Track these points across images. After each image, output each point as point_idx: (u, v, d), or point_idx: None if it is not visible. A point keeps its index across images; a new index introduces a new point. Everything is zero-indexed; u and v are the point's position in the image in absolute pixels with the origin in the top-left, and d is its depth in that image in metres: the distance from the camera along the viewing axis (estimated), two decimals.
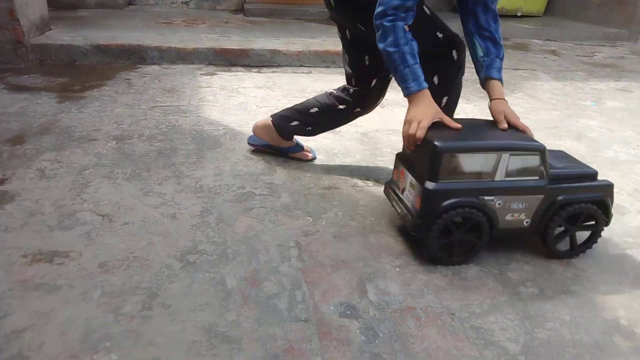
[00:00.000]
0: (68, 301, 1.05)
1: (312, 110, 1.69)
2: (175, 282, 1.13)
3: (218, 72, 2.85)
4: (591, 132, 2.27)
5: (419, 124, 1.22)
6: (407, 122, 1.26)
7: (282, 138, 1.74)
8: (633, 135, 2.27)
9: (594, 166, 1.36)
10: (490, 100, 1.35)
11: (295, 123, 1.71)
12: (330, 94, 1.69)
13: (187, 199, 1.49)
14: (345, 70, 1.66)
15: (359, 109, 1.68)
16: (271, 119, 1.73)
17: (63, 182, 1.54)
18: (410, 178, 1.27)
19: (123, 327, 0.99)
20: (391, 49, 1.23)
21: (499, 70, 1.38)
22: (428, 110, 1.25)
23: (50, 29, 3.13)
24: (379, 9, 1.24)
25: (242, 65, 3.01)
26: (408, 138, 1.25)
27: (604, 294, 1.19)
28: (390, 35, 1.23)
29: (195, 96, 2.44)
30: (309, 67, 3.08)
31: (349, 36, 1.57)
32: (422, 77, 1.26)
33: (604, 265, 1.30)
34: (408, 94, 1.28)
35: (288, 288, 1.13)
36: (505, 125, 1.29)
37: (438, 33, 1.43)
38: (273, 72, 2.94)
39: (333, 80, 2.84)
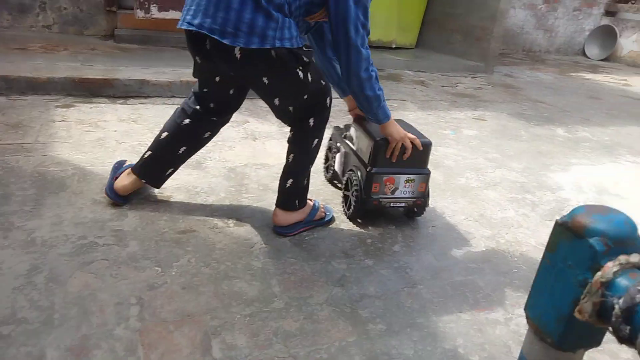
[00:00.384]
0: None
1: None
2: None
3: (76, 104, 2.62)
4: (447, 160, 2.46)
5: (408, 137, 1.60)
6: (402, 138, 1.59)
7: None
8: (483, 163, 2.50)
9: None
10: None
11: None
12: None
13: (12, 256, 1.30)
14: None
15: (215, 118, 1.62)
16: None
17: None
18: (404, 177, 1.64)
19: None
20: (380, 92, 1.47)
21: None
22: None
23: None
24: (367, 60, 1.39)
25: (106, 96, 2.80)
26: (407, 148, 1.60)
27: (445, 324, 1.24)
28: (376, 81, 1.45)
29: (45, 132, 2.20)
30: (181, 97, 2.96)
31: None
32: None
33: (448, 293, 1.38)
34: (388, 120, 1.57)
35: (121, 355, 1.02)
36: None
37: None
38: (140, 103, 2.78)
39: None
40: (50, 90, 2.73)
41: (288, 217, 1.58)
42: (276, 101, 1.46)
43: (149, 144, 1.65)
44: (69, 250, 1.36)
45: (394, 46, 5.65)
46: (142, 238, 1.46)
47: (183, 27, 1.33)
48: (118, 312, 1.14)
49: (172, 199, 1.72)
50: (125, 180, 1.62)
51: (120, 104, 2.74)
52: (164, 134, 1.61)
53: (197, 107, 1.57)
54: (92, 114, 2.52)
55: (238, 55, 1.28)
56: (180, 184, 1.83)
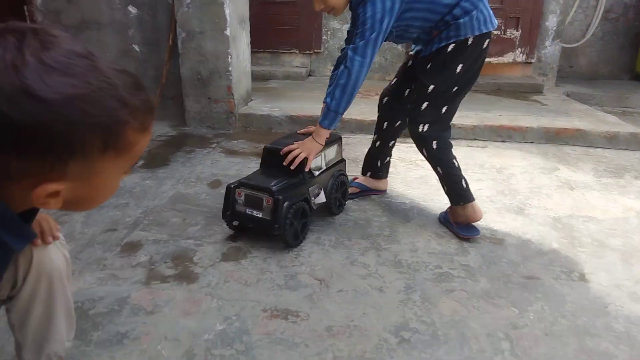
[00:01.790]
0: (306, 359, 1.21)
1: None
2: (395, 357, 1.22)
3: (395, 144, 3.03)
4: None
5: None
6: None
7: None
8: None
9: None
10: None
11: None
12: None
13: (389, 273, 1.60)
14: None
15: None
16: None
17: (280, 243, 1.77)
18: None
19: None
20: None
21: (323, 116, 1.78)
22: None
23: (252, 100, 3.68)
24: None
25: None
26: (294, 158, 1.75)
27: None
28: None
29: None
30: (484, 141, 3.10)
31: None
32: None
33: None
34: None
35: None
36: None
37: None
38: None
39: (510, 156, 2.82)
40: (372, 130, 3.24)
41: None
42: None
43: (471, 183, 1.88)
44: (430, 276, 1.59)
45: None
46: (490, 277, 1.60)
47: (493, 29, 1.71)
48: (492, 343, 1.28)
49: (505, 242, 1.82)
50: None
51: None
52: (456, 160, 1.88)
53: None
54: (410, 152, 2.88)
55: None
56: (509, 229, 1.92)
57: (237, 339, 1.27)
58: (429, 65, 1.74)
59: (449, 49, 1.68)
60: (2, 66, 0.52)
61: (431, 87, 1.74)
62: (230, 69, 3.16)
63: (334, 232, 1.88)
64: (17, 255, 0.88)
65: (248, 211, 1.73)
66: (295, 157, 1.75)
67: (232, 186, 1.76)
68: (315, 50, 4.85)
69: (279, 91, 4.14)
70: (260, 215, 1.70)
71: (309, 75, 4.98)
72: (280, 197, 1.65)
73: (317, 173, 1.86)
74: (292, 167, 1.75)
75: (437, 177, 1.91)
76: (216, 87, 3.23)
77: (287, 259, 1.67)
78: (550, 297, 1.49)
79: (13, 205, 0.63)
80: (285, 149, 1.78)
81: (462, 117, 3.25)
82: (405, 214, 2.06)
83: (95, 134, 0.58)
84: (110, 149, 0.60)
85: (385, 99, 2.10)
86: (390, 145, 2.19)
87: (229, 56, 3.13)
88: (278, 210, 1.64)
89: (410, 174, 2.53)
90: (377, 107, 2.17)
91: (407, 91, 2.00)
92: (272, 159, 1.83)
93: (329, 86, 1.85)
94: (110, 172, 0.64)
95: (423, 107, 1.77)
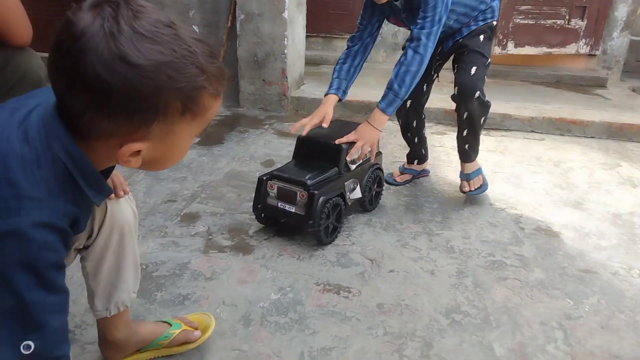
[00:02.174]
0: (358, 333, 1.24)
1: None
2: (446, 337, 1.24)
3: (448, 132, 3.00)
4: None
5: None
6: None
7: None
8: None
9: None
10: (366, 120, 1.76)
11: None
12: None
13: (441, 257, 1.61)
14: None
15: None
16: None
17: None
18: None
19: None
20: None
21: (387, 103, 1.70)
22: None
23: (304, 83, 3.72)
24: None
25: None
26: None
27: None
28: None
29: (430, 155, 2.60)
30: (541, 133, 3.01)
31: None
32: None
33: None
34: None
35: None
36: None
37: None
38: (502, 136, 2.96)
39: (569, 150, 2.73)
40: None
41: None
42: None
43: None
44: (483, 263, 1.58)
45: None
46: (545, 267, 1.57)
47: None
48: (544, 332, 1.27)
49: (561, 235, 1.78)
50: None
51: (484, 135, 2.98)
52: None
53: None
54: None
55: None
56: (566, 222, 1.87)
57: (291, 309, 1.32)
58: (479, 37, 1.81)
59: (488, 27, 1.83)
60: (102, 34, 0.57)
61: (479, 56, 1.80)
62: (285, 51, 3.21)
63: (385, 215, 1.89)
64: (94, 207, 0.94)
65: (280, 205, 1.63)
66: (358, 151, 1.73)
67: (264, 178, 1.66)
68: None
69: (329, 76, 4.15)
70: (293, 209, 1.61)
71: None
72: (315, 191, 1.55)
73: (353, 167, 1.75)
74: (357, 160, 1.75)
75: (464, 133, 1.94)
76: (271, 70, 3.28)
77: (338, 238, 1.70)
78: (608, 292, 1.45)
79: (97, 163, 0.69)
80: (343, 140, 1.70)
81: (519, 108, 3.16)
82: (457, 201, 2.04)
83: (177, 98, 0.62)
84: (188, 112, 0.64)
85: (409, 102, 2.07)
86: (424, 133, 2.21)
87: (285, 39, 3.17)
88: (313, 205, 1.55)
89: None
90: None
91: (425, 96, 2.11)
92: (306, 150, 1.75)
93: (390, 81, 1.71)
94: (185, 134, 0.68)
95: (472, 71, 1.79)
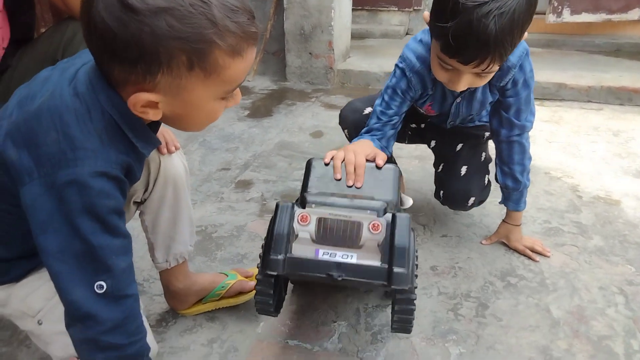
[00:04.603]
0: None
1: None
2: (502, 299, 1.24)
3: None
4: None
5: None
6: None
7: None
8: None
9: None
10: (503, 220, 1.47)
11: None
12: None
13: (494, 224, 1.59)
14: None
15: None
16: None
17: None
18: None
19: (464, 327, 1.14)
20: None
21: (516, 201, 1.40)
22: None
23: (349, 57, 3.70)
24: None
25: None
26: None
27: None
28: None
29: None
30: (599, 103, 2.87)
31: None
32: None
33: None
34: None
35: (621, 334, 1.12)
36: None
37: None
38: (557, 106, 2.85)
39: (630, 120, 2.60)
40: None
41: None
42: None
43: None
44: (539, 229, 1.56)
45: None
46: (604, 235, 1.53)
47: None
48: (604, 296, 1.25)
49: (621, 204, 1.72)
50: None
51: (538, 105, 2.88)
52: None
53: None
54: None
55: None
56: (627, 190, 1.81)
57: None
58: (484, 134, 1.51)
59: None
60: None
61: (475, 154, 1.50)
62: (332, 23, 3.19)
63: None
64: (148, 161, 0.98)
65: (325, 254, 0.89)
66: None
67: (289, 205, 0.95)
68: (415, 8, 4.70)
69: (376, 49, 4.11)
70: (354, 259, 0.91)
71: (407, 34, 4.86)
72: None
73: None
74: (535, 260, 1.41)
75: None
76: (317, 42, 3.28)
77: None
78: None
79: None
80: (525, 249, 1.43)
81: (576, 77, 3.02)
82: None
83: (181, 49, 0.60)
84: (196, 67, 0.62)
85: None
86: None
87: (332, 10, 3.15)
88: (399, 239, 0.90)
89: None
90: None
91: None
92: None
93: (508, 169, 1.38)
94: (202, 93, 0.66)
95: (462, 172, 1.49)
